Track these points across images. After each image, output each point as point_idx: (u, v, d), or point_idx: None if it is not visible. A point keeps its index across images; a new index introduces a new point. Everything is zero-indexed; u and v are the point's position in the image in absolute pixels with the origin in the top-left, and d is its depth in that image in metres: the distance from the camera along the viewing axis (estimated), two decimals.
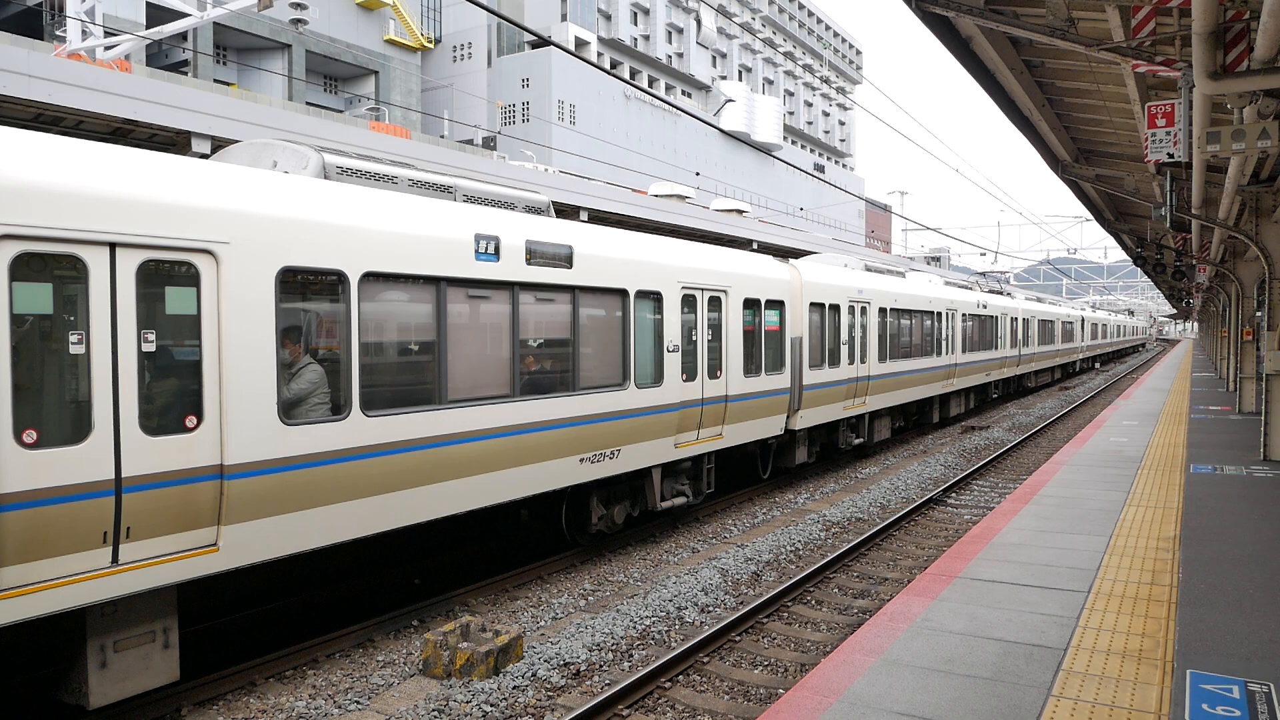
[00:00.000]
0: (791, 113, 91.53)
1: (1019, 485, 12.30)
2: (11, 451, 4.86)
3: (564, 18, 63.07)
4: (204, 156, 10.46)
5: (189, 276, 5.73)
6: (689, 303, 10.97)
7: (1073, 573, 7.26)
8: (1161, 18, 7.16)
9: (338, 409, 6.67)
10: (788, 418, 13.72)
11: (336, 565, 9.35)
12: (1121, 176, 14.75)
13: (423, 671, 6.88)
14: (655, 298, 10.33)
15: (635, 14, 70.34)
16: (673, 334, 10.57)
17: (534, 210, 9.06)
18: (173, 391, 5.69)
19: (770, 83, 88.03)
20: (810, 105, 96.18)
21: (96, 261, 5.25)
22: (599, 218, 18.33)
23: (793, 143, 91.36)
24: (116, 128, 10.60)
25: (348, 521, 6.73)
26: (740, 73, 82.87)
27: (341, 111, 48.49)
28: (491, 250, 7.98)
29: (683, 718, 6.28)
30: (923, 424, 22.36)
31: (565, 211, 17.00)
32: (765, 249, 23.69)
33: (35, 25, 35.63)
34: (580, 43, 61.74)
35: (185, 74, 39.13)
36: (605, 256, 9.46)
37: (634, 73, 69.82)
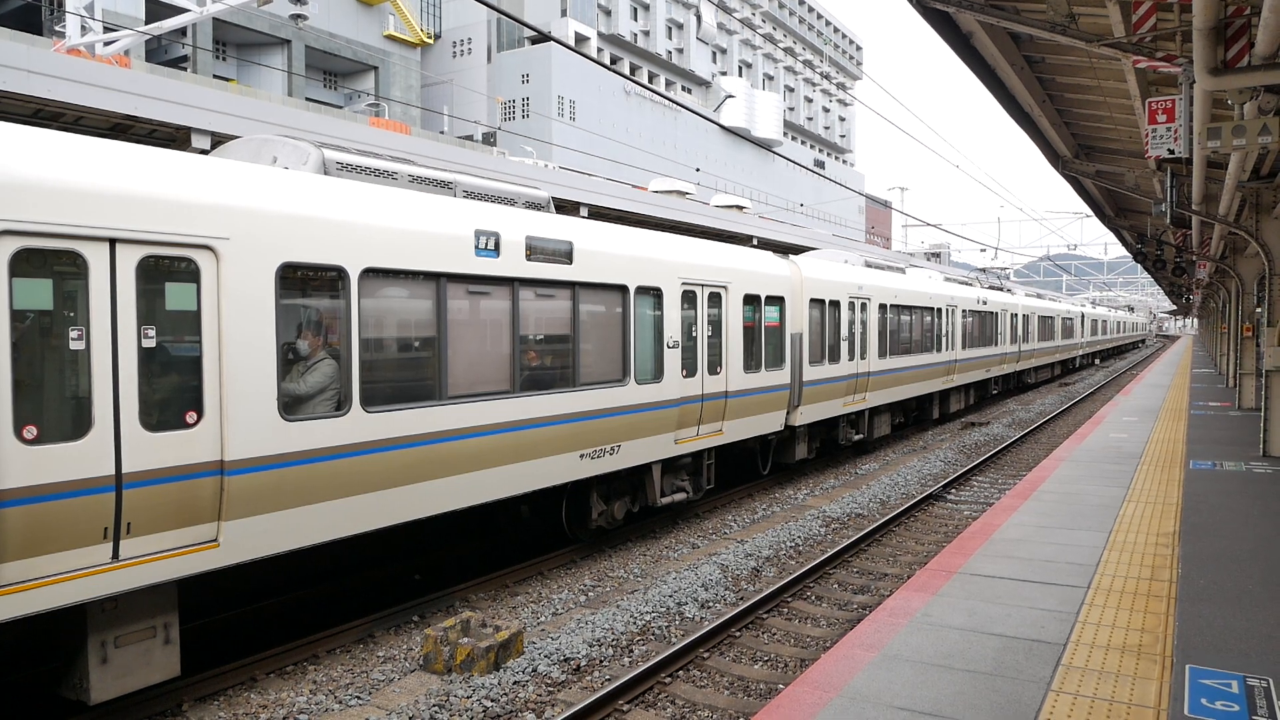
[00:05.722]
0: (792, 109, 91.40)
1: (1019, 481, 12.31)
2: (12, 447, 4.86)
3: (564, 13, 62.94)
4: (204, 152, 10.45)
5: (189, 272, 5.73)
6: (689, 299, 10.97)
7: (1072, 568, 7.27)
8: (1162, 13, 7.14)
9: (338, 405, 6.68)
10: (788, 413, 13.72)
11: (337, 561, 9.36)
12: (1122, 172, 14.73)
13: (423, 667, 6.90)
14: (655, 294, 10.32)
15: (635, 9, 70.22)
16: (673, 330, 10.57)
17: (534, 206, 9.06)
18: (173, 387, 5.69)
19: (770, 79, 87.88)
20: (810, 101, 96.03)
21: (96, 257, 5.25)
22: (599, 214, 18.33)
23: (793, 139, 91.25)
24: (116, 123, 10.59)
25: (348, 517, 6.74)
26: (740, 68, 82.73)
27: (341, 107, 48.43)
28: (491, 246, 7.98)
29: (683, 713, 6.30)
30: (923, 420, 22.36)
31: (565, 207, 16.99)
32: (765, 245, 23.67)
33: (35, 20, 35.58)
34: (580, 38, 61.63)
35: (185, 69, 39.07)
36: (605, 252, 9.45)
37: (634, 68, 69.72)
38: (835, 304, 15.30)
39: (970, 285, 26.04)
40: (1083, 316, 46.72)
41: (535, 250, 8.47)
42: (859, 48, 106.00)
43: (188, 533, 5.69)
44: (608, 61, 66.35)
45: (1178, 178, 11.93)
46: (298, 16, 22.79)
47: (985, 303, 25.40)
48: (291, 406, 6.37)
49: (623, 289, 9.76)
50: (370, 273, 6.91)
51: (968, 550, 7.85)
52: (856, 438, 16.85)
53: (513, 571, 9.43)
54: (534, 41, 60.80)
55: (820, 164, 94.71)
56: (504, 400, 8.14)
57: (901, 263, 24.30)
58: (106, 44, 17.50)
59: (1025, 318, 31.08)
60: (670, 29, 73.49)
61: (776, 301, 13.14)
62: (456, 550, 10.29)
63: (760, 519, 12.36)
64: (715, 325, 11.55)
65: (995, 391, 29.44)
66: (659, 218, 20.15)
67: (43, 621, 5.42)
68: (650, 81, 71.09)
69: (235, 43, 46.28)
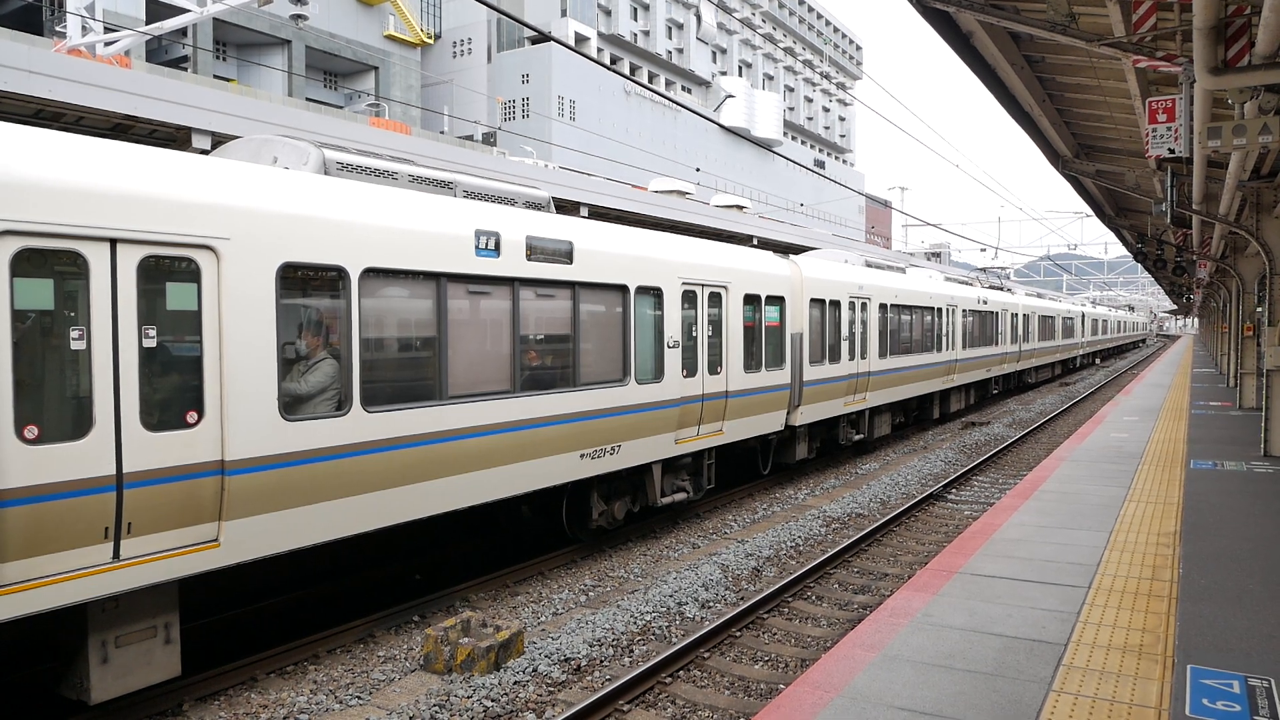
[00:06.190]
0: (791, 108, 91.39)
1: (1019, 481, 12.31)
2: (13, 447, 4.86)
3: (564, 13, 62.94)
4: (204, 152, 10.45)
5: (190, 272, 5.73)
6: (689, 298, 10.97)
7: (1073, 568, 7.27)
8: (1162, 13, 7.14)
9: (339, 405, 6.68)
10: (788, 413, 13.72)
11: (337, 561, 9.36)
12: (1122, 172, 14.73)
13: (424, 667, 6.90)
14: (656, 293, 10.32)
15: (635, 9, 70.21)
16: (673, 330, 10.57)
17: (534, 206, 9.06)
18: (174, 387, 5.69)
19: (770, 78, 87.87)
20: (810, 101, 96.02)
21: (97, 257, 5.25)
22: (599, 213, 18.33)
23: (793, 138, 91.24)
24: (117, 123, 10.59)
25: (349, 517, 6.74)
26: (740, 68, 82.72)
27: (341, 107, 48.43)
28: (492, 246, 7.98)
29: (683, 713, 6.30)
30: (923, 420, 22.35)
31: (565, 207, 16.99)
32: (765, 245, 23.66)
33: (35, 21, 35.59)
34: (580, 38, 61.63)
35: (185, 70, 39.07)
36: (606, 252, 9.45)
37: (634, 68, 69.72)
38: (835, 304, 15.30)
39: (970, 285, 26.04)
40: (1083, 316, 46.72)
41: (535, 250, 8.47)
42: (859, 47, 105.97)
43: (188, 532, 5.69)
44: (608, 61, 66.35)
45: (1178, 177, 11.93)
46: (298, 16, 22.81)
47: (985, 302, 25.40)
48: (292, 406, 6.36)
49: (623, 289, 9.76)
50: (371, 272, 6.91)
51: (968, 550, 7.85)
52: (857, 438, 16.85)
53: (513, 571, 9.43)
54: (534, 41, 60.80)
55: (820, 164, 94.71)
56: (504, 400, 8.14)
57: (902, 262, 24.30)
58: (107, 44, 17.49)
59: (1025, 317, 31.08)
60: (670, 29, 73.48)
61: (777, 301, 13.14)
62: (457, 550, 10.29)
63: (760, 519, 12.36)
64: (715, 325, 11.55)
65: (995, 391, 29.44)
66: (659, 218, 20.15)
67: (43, 621, 5.42)
68: (650, 81, 71.06)
69: (235, 43, 46.28)
